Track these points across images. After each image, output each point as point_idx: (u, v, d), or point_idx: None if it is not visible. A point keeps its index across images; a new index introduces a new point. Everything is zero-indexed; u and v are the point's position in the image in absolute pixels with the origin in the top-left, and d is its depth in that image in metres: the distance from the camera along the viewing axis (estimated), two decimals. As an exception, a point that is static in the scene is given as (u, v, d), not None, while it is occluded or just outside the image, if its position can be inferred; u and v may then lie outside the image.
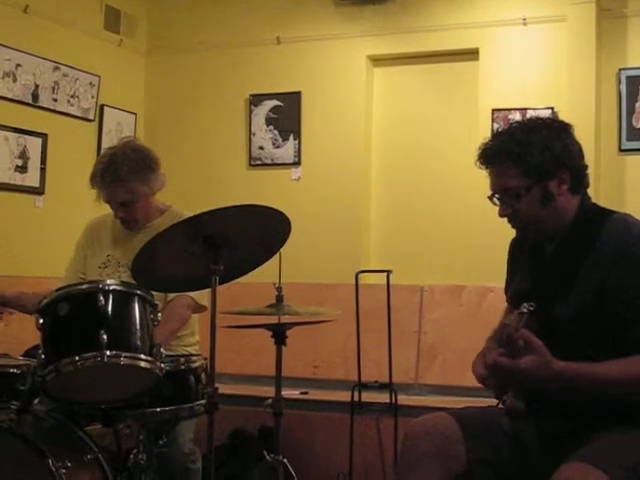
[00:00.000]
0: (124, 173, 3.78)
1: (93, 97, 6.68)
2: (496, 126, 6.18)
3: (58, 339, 2.98)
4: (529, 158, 2.61)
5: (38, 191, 6.23)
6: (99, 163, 3.87)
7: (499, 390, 2.68)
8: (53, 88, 6.34)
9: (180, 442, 3.73)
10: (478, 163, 2.73)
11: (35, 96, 6.21)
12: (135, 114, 7.17)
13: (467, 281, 6.04)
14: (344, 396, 5.04)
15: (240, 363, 5.71)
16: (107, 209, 3.98)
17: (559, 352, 2.46)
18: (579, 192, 2.70)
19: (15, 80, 6.04)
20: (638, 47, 6.26)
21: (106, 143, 6.55)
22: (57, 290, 3.05)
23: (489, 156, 2.70)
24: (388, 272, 5.16)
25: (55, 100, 6.36)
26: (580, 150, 2.71)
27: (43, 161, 6.24)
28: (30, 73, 6.15)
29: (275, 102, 7.01)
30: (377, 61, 6.94)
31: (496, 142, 2.70)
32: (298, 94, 6.96)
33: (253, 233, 3.22)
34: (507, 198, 2.67)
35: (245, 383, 5.56)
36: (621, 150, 6.26)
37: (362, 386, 5.02)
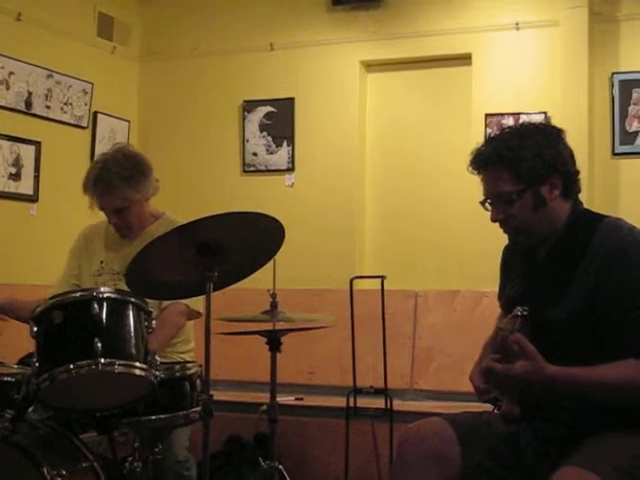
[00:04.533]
0: (116, 181, 3.77)
1: (86, 104, 6.68)
2: (489, 131, 6.20)
3: (52, 347, 2.98)
4: (521, 163, 2.62)
5: (32, 199, 6.23)
6: (91, 171, 3.86)
7: (496, 400, 2.69)
8: (46, 95, 6.34)
9: (175, 449, 3.72)
10: (470, 168, 2.74)
11: (28, 104, 6.20)
12: (128, 121, 7.17)
13: (461, 286, 6.05)
14: (339, 402, 5.04)
15: (235, 370, 5.70)
16: (101, 216, 3.98)
17: (553, 356, 2.46)
18: (571, 197, 2.71)
19: (8, 88, 6.04)
20: (630, 51, 6.28)
21: (100, 150, 6.53)
22: (51, 298, 3.05)
23: (482, 161, 2.70)
24: (382, 278, 5.16)
25: (48, 107, 6.36)
26: (572, 155, 2.72)
27: (37, 169, 6.24)
28: (23, 81, 6.15)
29: (269, 108, 7.02)
30: (370, 66, 6.95)
31: (488, 147, 2.71)
32: (292, 100, 6.96)
33: (247, 240, 3.22)
34: (499, 203, 2.68)
35: (240, 390, 5.56)
36: (614, 154, 6.27)
37: (357, 392, 5.02)
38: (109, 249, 3.99)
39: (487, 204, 2.72)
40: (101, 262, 3.96)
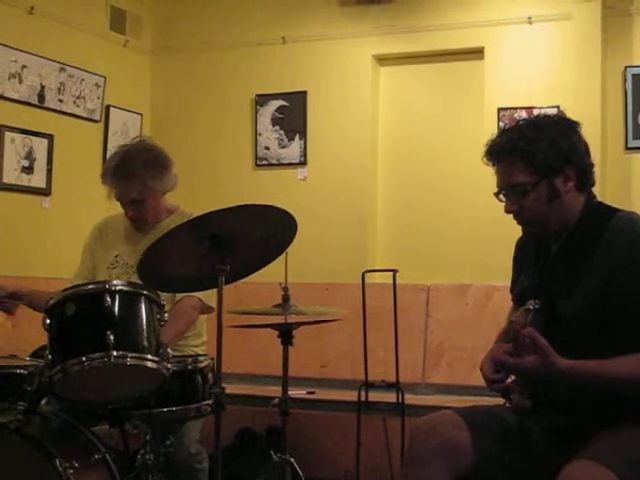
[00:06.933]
0: (137, 168, 3.78)
1: (99, 98, 6.69)
2: (502, 125, 6.17)
3: (65, 339, 2.98)
4: (536, 154, 2.62)
5: (44, 192, 6.24)
6: (112, 160, 3.87)
7: (506, 390, 2.69)
8: (59, 89, 6.35)
9: (187, 442, 3.73)
10: (485, 159, 2.74)
11: (41, 97, 6.21)
12: (141, 114, 7.18)
13: (473, 280, 6.05)
14: (351, 396, 5.05)
15: (247, 363, 5.71)
16: (116, 209, 3.98)
17: (565, 349, 2.46)
18: (585, 190, 2.71)
19: (21, 81, 6.05)
20: (644, 45, 6.26)
21: (112, 144, 6.56)
22: (64, 291, 3.05)
23: (496, 152, 2.70)
24: (394, 271, 5.16)
25: (61, 101, 6.37)
26: (587, 148, 2.72)
27: (49, 162, 6.25)
28: (36, 74, 6.16)
29: (281, 102, 7.01)
30: (383, 60, 6.94)
31: (503, 138, 2.71)
32: (304, 94, 6.96)
33: (259, 233, 3.22)
34: (513, 194, 2.68)
35: (252, 383, 5.57)
36: (627, 148, 6.26)
37: (369, 385, 5.03)
38: (124, 243, 4.00)
39: (501, 195, 2.72)
40: (116, 256, 3.96)
